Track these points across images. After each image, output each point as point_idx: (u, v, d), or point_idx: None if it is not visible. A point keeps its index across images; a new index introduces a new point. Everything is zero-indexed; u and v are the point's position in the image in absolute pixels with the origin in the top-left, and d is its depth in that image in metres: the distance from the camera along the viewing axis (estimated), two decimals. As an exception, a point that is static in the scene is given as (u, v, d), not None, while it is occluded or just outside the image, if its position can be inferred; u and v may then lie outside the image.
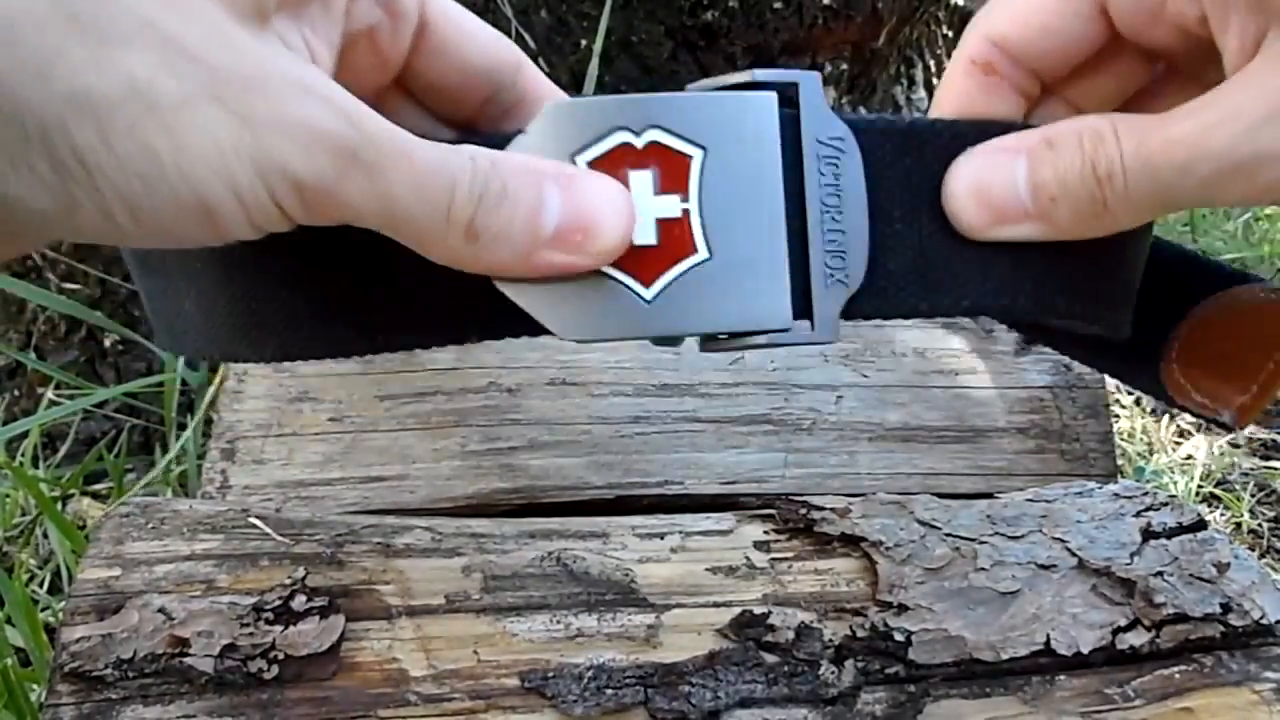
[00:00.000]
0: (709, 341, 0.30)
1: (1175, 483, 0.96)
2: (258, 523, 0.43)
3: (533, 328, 0.29)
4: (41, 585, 0.76)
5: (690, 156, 0.28)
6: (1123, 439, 1.01)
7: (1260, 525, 0.94)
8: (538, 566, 0.43)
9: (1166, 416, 1.06)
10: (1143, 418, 1.05)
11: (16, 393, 0.91)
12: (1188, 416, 1.06)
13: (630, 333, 0.29)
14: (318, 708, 0.38)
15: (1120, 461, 0.87)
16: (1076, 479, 0.55)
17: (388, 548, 0.43)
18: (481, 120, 0.33)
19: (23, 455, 0.85)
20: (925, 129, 0.30)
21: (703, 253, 0.28)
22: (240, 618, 0.39)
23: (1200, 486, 0.97)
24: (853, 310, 0.30)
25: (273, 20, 0.25)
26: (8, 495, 0.82)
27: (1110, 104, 0.32)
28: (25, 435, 0.85)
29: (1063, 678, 0.42)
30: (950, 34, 1.06)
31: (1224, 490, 0.97)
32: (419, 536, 0.44)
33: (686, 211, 0.28)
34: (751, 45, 0.89)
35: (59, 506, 0.80)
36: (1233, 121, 0.26)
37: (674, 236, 0.28)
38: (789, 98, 0.29)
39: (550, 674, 0.39)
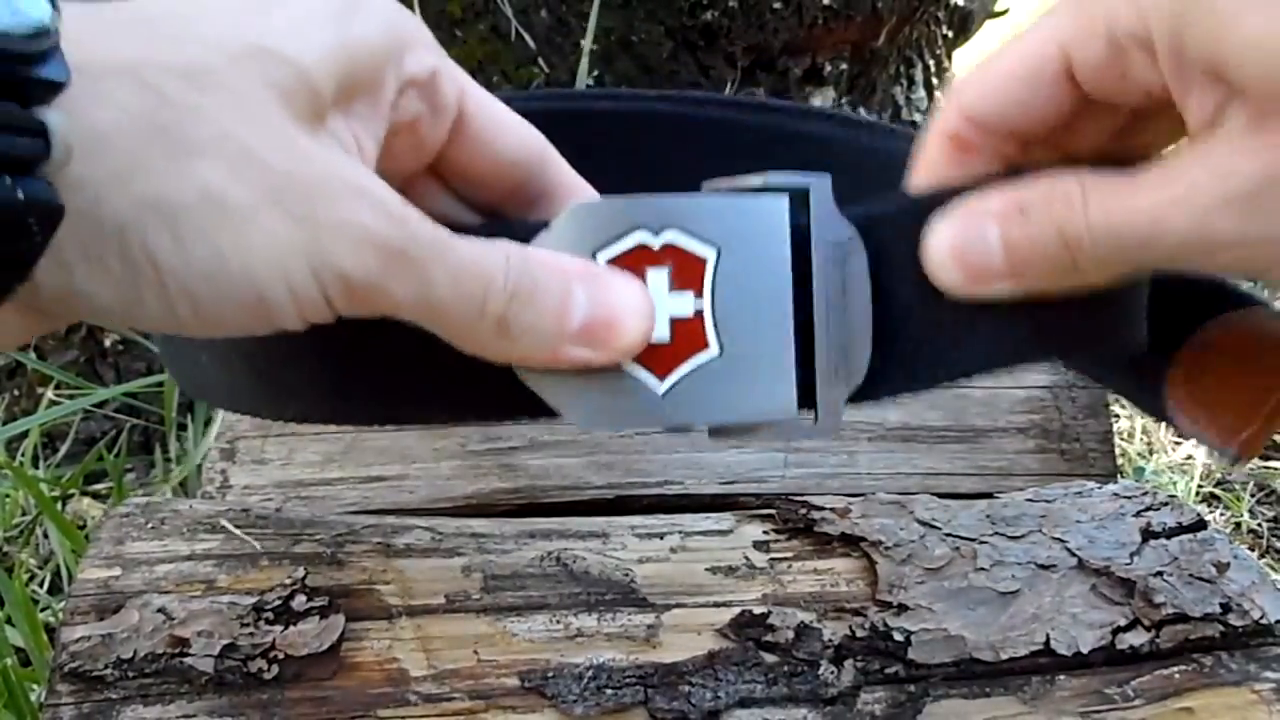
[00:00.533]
0: (717, 431, 0.32)
1: (1175, 483, 0.96)
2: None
3: (549, 412, 0.30)
4: (41, 585, 0.76)
5: (704, 258, 0.30)
6: (1123, 439, 1.01)
7: (1260, 525, 0.94)
8: (538, 566, 0.43)
9: (1166, 416, 1.06)
10: (1143, 418, 1.05)
11: (16, 393, 0.91)
12: (1188, 416, 1.06)
13: (643, 424, 0.31)
14: (318, 708, 0.38)
15: (1120, 461, 0.87)
16: (1076, 479, 0.55)
17: (388, 547, 0.43)
18: (507, 207, 0.35)
19: (23, 455, 0.85)
20: (910, 208, 0.31)
21: (714, 349, 0.30)
22: (240, 618, 0.39)
23: (1200, 486, 0.97)
24: (868, 394, 0.31)
25: (327, 118, 0.27)
26: (8, 495, 0.82)
27: (1095, 144, 0.32)
28: (25, 435, 0.85)
29: (1062, 678, 0.42)
30: (950, 34, 1.06)
31: (1224, 490, 0.97)
32: (419, 536, 0.44)
33: (700, 310, 0.30)
34: (751, 45, 0.89)
35: (59, 506, 0.80)
36: (1187, 203, 0.27)
37: (687, 333, 0.30)
38: (801, 200, 0.30)
39: (550, 674, 0.39)
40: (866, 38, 0.94)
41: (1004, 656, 0.41)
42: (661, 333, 0.29)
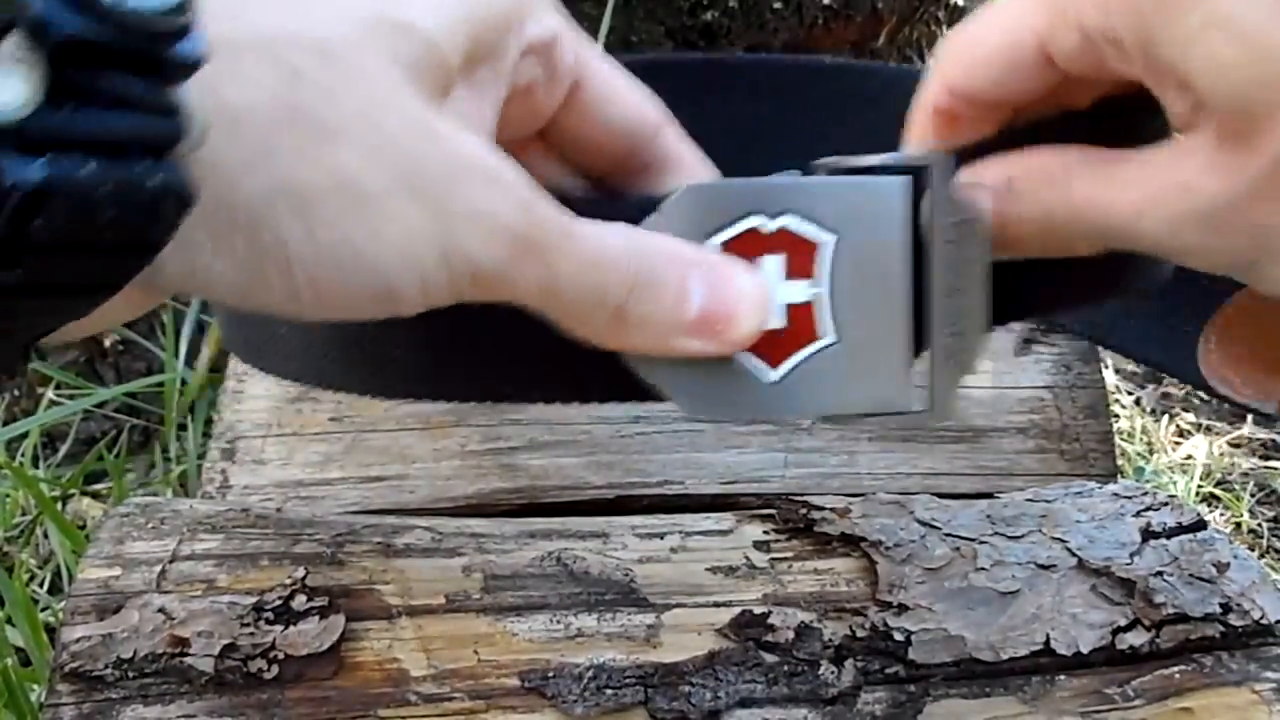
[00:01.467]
0: (828, 419, 0.32)
1: (1175, 483, 0.96)
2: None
3: (654, 397, 0.29)
4: (41, 585, 0.76)
5: (820, 243, 0.29)
6: (1123, 439, 1.01)
7: (1260, 525, 0.94)
8: (538, 566, 0.43)
9: (1166, 416, 1.06)
10: (1142, 418, 1.05)
11: (16, 393, 0.91)
12: (1188, 416, 1.06)
13: (755, 413, 0.30)
14: (318, 708, 0.38)
15: (1120, 461, 0.87)
16: (1076, 479, 0.55)
17: (388, 547, 0.43)
18: (616, 176, 0.34)
19: (23, 455, 0.85)
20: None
21: (829, 337, 0.29)
22: (240, 618, 0.39)
23: (1200, 486, 0.97)
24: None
25: (453, 89, 0.26)
26: (8, 495, 0.82)
27: (1087, 102, 0.33)
28: (25, 435, 0.85)
29: (1062, 678, 0.42)
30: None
31: (1224, 490, 0.97)
32: (419, 536, 0.44)
33: (816, 296, 0.29)
34: (751, 45, 0.89)
35: (59, 506, 0.80)
36: (1159, 210, 0.27)
37: (802, 321, 0.29)
38: (919, 180, 0.30)
39: (550, 674, 0.39)
40: (866, 38, 0.94)
41: (1004, 656, 0.41)
42: (776, 320, 0.29)
